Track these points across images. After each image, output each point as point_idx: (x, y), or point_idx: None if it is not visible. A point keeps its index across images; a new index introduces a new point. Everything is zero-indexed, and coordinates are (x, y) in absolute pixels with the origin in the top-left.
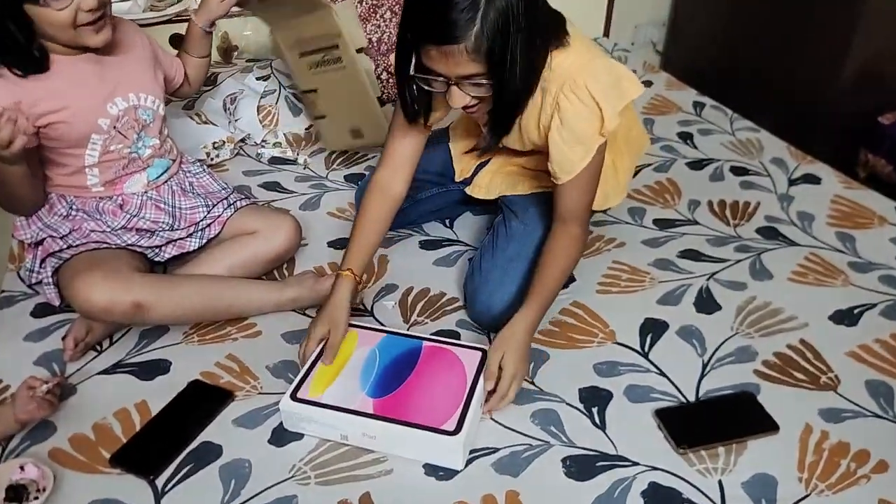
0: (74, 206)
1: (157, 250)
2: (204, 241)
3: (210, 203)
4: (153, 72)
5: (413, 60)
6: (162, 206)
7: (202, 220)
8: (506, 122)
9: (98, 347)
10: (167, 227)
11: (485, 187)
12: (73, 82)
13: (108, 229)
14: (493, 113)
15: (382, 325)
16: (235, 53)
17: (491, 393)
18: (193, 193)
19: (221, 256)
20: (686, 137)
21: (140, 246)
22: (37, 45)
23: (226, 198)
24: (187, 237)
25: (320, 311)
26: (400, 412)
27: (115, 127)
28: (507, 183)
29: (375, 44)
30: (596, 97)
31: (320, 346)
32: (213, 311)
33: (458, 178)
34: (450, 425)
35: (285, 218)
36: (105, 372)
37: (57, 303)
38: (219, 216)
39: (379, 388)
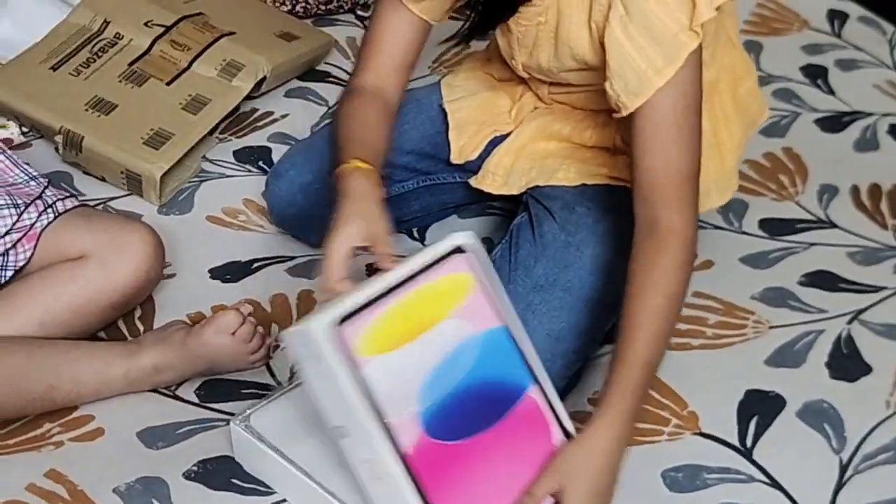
0: None
1: None
2: (9, 273)
3: (15, 203)
4: None
5: None
6: None
7: (4, 235)
8: None
9: None
10: None
11: (503, 175)
12: None
13: None
14: None
15: None
16: None
17: None
18: None
19: (27, 303)
20: (816, 75)
21: None
22: None
23: (38, 196)
24: None
25: (340, 217)
26: (440, 482)
27: None
28: (541, 168)
29: None
30: None
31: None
32: (21, 400)
33: (456, 159)
34: None
35: (134, 229)
36: None
37: None
38: (29, 228)
39: (442, 420)
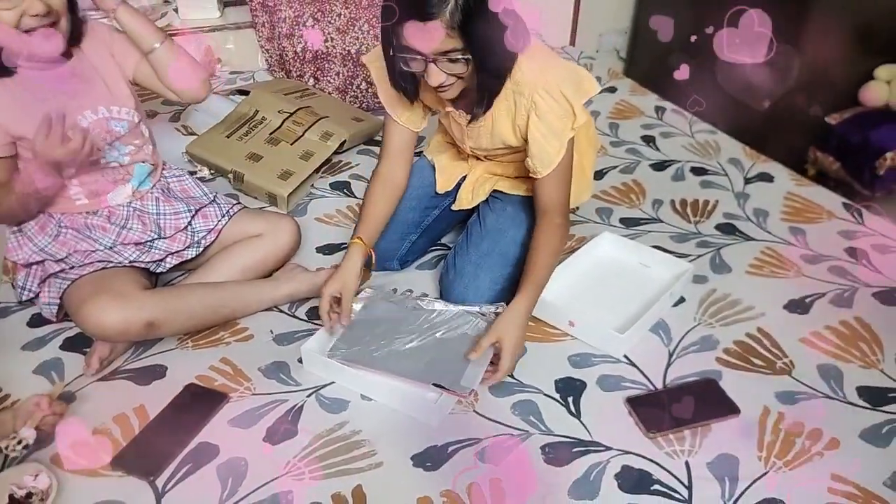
0: (63, 224)
1: (158, 263)
2: (201, 248)
3: (192, 208)
4: (127, 81)
5: (394, 41)
6: (146, 220)
7: (198, 232)
8: (490, 92)
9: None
10: (155, 236)
11: (467, 199)
12: (38, 97)
13: (104, 247)
14: (477, 87)
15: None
16: (219, 66)
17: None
18: (175, 198)
19: (231, 260)
20: (649, 140)
21: (142, 261)
22: None
23: (212, 202)
24: (185, 248)
25: (334, 274)
26: None
27: None
28: (490, 186)
29: (354, 55)
30: (567, 96)
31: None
32: (217, 318)
33: (440, 190)
34: None
35: (285, 218)
36: (103, 378)
37: (55, 319)
38: (214, 226)
39: None
